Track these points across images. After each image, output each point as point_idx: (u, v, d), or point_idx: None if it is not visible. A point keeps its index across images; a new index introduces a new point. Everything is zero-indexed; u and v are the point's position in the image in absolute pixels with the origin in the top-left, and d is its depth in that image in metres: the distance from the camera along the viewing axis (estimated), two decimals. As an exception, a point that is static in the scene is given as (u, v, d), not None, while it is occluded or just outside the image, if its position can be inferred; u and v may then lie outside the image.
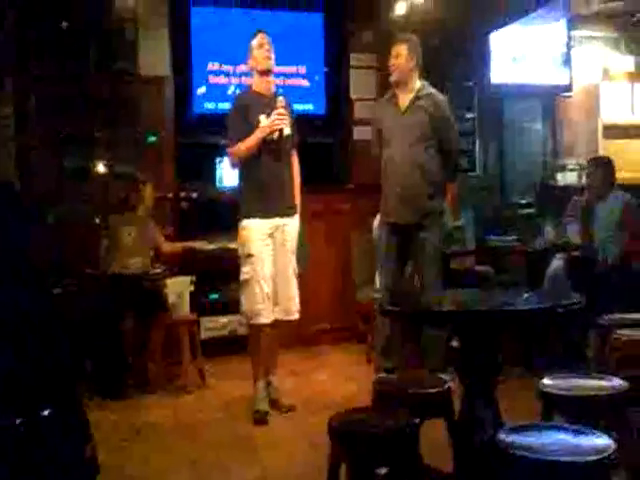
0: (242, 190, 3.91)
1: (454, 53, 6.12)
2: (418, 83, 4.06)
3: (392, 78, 4.06)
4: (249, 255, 3.77)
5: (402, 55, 4.01)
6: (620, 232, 4.30)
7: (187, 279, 4.62)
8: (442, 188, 4.10)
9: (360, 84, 6.06)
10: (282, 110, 3.77)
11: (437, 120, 3.98)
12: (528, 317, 2.37)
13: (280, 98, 3.83)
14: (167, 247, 4.81)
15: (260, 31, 3.94)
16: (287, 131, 3.85)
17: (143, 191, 4.79)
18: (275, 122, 3.75)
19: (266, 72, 3.88)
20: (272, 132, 3.77)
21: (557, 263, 4.39)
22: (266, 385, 3.87)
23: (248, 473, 3.05)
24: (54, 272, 4.37)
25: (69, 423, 2.15)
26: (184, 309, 4.53)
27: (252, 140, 3.76)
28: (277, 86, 4.22)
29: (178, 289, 4.53)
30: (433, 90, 4.06)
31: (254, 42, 3.89)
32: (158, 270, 4.63)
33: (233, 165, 3.97)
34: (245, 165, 3.86)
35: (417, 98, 4.01)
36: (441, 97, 4.07)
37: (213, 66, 5.74)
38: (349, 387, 4.24)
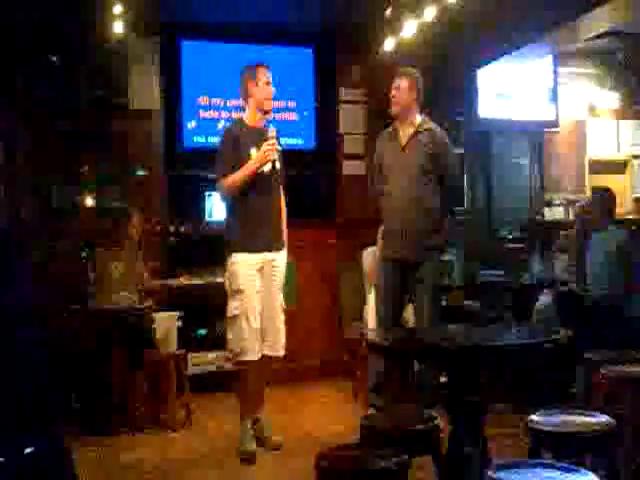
0: (230, 224, 3.89)
1: (442, 88, 6.19)
2: (419, 118, 4.03)
3: (392, 111, 4.03)
4: (237, 290, 3.74)
5: (402, 88, 3.99)
6: (618, 265, 4.22)
7: (174, 314, 4.58)
8: (442, 223, 4.06)
9: (349, 119, 6.12)
10: (274, 140, 3.74)
11: (437, 156, 3.94)
12: (516, 352, 2.37)
13: (271, 128, 3.80)
14: (147, 284, 4.78)
15: (262, 65, 3.89)
16: (276, 165, 3.83)
17: (130, 225, 4.79)
18: (267, 153, 3.70)
19: (268, 111, 3.89)
20: (265, 163, 3.74)
21: (545, 298, 4.39)
22: (253, 423, 3.81)
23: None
24: (40, 308, 4.33)
25: (53, 461, 2.11)
26: (171, 344, 4.49)
27: (244, 173, 3.71)
28: (266, 121, 4.25)
29: (166, 324, 4.49)
30: (433, 125, 4.03)
31: (260, 77, 3.83)
32: (146, 305, 4.60)
33: (224, 199, 3.92)
34: (234, 199, 3.84)
35: (417, 133, 3.98)
36: (441, 132, 4.04)
37: (203, 100, 5.79)
38: (337, 424, 4.20)
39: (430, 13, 5.35)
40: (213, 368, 5.20)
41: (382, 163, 4.06)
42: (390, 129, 4.12)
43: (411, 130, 4.00)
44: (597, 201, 4.50)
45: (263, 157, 3.72)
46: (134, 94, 5.53)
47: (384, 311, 3.97)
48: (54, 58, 5.30)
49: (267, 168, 3.81)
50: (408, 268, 3.93)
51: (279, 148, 3.89)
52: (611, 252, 4.19)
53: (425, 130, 3.99)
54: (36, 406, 2.22)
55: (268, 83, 3.85)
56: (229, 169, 3.74)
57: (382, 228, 4.15)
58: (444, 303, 5.17)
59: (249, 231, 3.78)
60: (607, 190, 4.57)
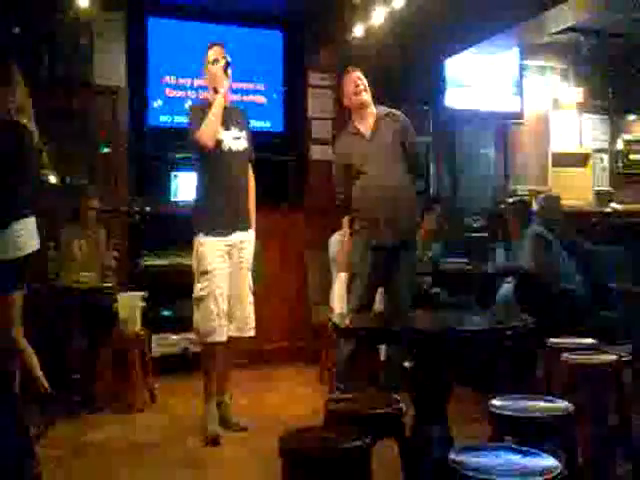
0: (199, 203, 3.85)
1: (409, 77, 6.22)
2: (373, 108, 4.09)
3: (363, 98, 4.00)
4: (205, 271, 3.71)
5: (363, 78, 4.03)
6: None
7: (138, 295, 4.53)
8: (416, 206, 4.13)
9: (318, 103, 6.11)
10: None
11: (401, 134, 3.99)
12: (478, 338, 2.40)
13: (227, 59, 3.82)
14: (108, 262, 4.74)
15: (215, 44, 3.90)
16: (244, 144, 3.84)
17: (85, 207, 4.72)
18: (215, 69, 3.77)
19: (217, 89, 3.82)
20: (224, 79, 3.75)
21: (507, 286, 4.47)
22: (218, 405, 3.81)
23: (197, 493, 3.01)
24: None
25: (11, 440, 2.09)
26: (135, 326, 4.45)
27: (215, 110, 3.69)
28: (235, 102, 4.22)
29: (129, 305, 4.44)
30: (390, 109, 4.10)
31: (209, 55, 3.85)
32: (109, 285, 4.54)
33: (200, 150, 3.75)
34: (203, 178, 3.82)
35: (379, 119, 4.01)
36: (400, 113, 4.10)
37: (170, 79, 5.72)
38: (301, 407, 4.23)
39: (399, 1, 5.38)
40: (177, 350, 5.17)
41: (350, 162, 3.98)
42: (348, 129, 4.10)
43: (372, 120, 4.01)
44: (512, 212, 4.73)
45: (219, 73, 3.76)
46: (99, 70, 5.42)
47: (362, 298, 3.94)
48: (16, 31, 5.15)
49: (235, 147, 3.81)
50: (390, 254, 3.95)
51: (250, 129, 3.93)
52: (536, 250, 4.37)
53: (385, 115, 4.03)
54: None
55: (215, 61, 3.83)
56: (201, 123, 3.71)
57: (350, 219, 4.13)
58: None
59: (217, 210, 3.75)
60: (522, 202, 4.78)
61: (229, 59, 3.83)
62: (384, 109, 4.07)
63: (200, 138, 3.69)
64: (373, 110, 4.04)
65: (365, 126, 4.01)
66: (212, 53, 3.86)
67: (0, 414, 2.12)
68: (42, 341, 4.30)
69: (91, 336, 4.40)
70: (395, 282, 3.98)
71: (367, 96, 4.01)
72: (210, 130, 3.69)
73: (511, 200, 5.13)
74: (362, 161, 3.95)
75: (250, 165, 3.97)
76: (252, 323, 3.87)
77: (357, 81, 4.01)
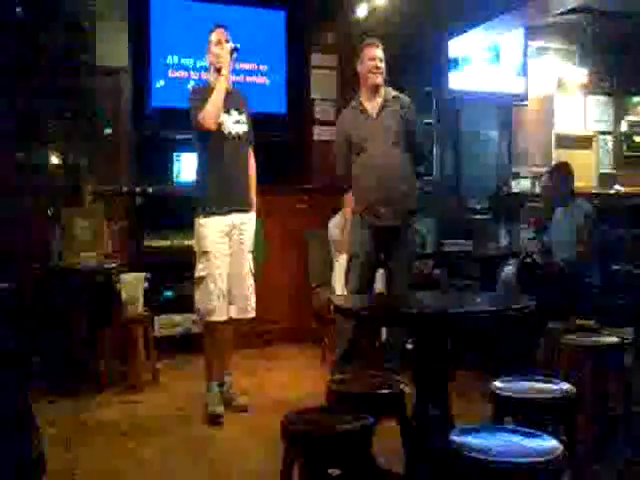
0: (200, 185, 3.87)
1: (413, 58, 6.17)
2: (383, 89, 4.08)
3: (378, 81, 3.99)
4: (205, 252, 3.74)
5: (383, 59, 4.01)
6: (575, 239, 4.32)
7: (141, 275, 4.54)
8: (416, 188, 4.14)
9: (321, 84, 6.08)
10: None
11: (406, 120, 4.00)
12: (479, 319, 2.40)
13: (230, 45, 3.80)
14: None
15: (219, 26, 3.90)
16: (244, 127, 3.85)
17: (83, 184, 4.72)
18: (219, 55, 3.76)
19: (219, 70, 3.81)
20: (228, 63, 3.75)
21: (509, 268, 4.47)
22: (220, 385, 3.84)
23: (199, 473, 3.03)
24: (3, 266, 4.26)
25: (14, 420, 2.10)
26: (138, 306, 4.46)
27: (215, 97, 3.69)
28: (236, 83, 4.20)
29: (132, 286, 4.45)
30: (398, 93, 4.09)
31: (212, 38, 3.85)
32: (112, 265, 4.55)
33: (201, 132, 3.74)
34: (204, 160, 3.83)
35: (386, 101, 4.01)
36: (407, 98, 4.10)
37: (173, 60, 5.68)
38: (303, 388, 4.24)
39: (403, -19, 5.32)
40: (180, 330, 5.19)
41: (352, 139, 4.00)
42: (354, 104, 4.10)
43: (380, 100, 4.01)
44: (556, 177, 4.57)
45: (223, 55, 3.75)
46: (101, 51, 5.38)
47: (362, 278, 3.96)
48: (18, 11, 5.11)
49: (235, 130, 3.80)
50: (389, 234, 3.95)
51: (249, 112, 3.93)
52: (578, 224, 4.27)
53: (393, 98, 4.03)
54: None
55: (218, 42, 3.82)
56: (204, 104, 3.70)
57: (352, 197, 4.13)
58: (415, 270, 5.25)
59: (218, 192, 3.77)
60: (566, 165, 4.65)
61: (238, 46, 3.82)
62: (392, 91, 4.07)
63: (202, 121, 3.68)
64: (382, 91, 4.03)
65: (372, 105, 4.02)
66: (215, 35, 3.85)
67: (4, 393, 2.13)
68: (45, 322, 4.34)
69: (94, 317, 4.41)
70: (394, 263, 3.99)
71: (382, 79, 4.01)
72: (212, 113, 3.69)
73: (554, 163, 4.94)
74: (365, 139, 3.96)
75: (251, 148, 3.97)
76: (253, 304, 3.89)
77: (378, 62, 3.99)
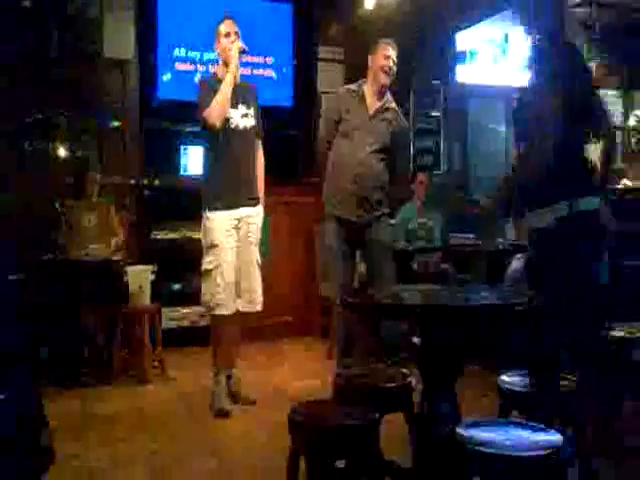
0: (208, 179, 3.87)
1: (421, 51, 6.15)
2: (388, 93, 4.05)
3: (387, 81, 3.95)
4: (213, 245, 3.73)
5: (395, 61, 3.98)
6: None
7: (148, 268, 4.55)
8: (387, 195, 4.11)
9: (327, 77, 6.07)
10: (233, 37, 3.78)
11: (397, 136, 3.99)
12: (487, 313, 2.39)
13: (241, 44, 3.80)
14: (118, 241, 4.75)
15: (228, 17, 3.89)
16: (252, 121, 3.84)
17: (90, 177, 4.73)
18: (229, 48, 3.75)
19: (227, 64, 3.80)
20: (236, 59, 3.74)
21: (517, 263, 4.45)
22: (227, 379, 3.84)
23: (206, 465, 3.03)
24: (12, 258, 4.28)
25: (23, 409, 2.11)
26: (145, 299, 4.47)
27: (225, 88, 3.69)
28: (243, 76, 4.18)
29: (139, 278, 4.46)
30: (397, 107, 4.07)
31: (221, 29, 3.84)
32: (119, 257, 4.56)
33: (210, 128, 3.72)
34: (211, 154, 3.83)
35: (385, 108, 3.98)
36: (405, 121, 4.15)
37: (179, 52, 5.68)
38: (310, 381, 4.25)
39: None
40: (187, 323, 5.21)
41: (342, 120, 3.93)
42: (354, 88, 4.02)
43: (380, 103, 3.97)
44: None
45: (231, 48, 3.74)
46: (108, 43, 5.39)
47: (340, 269, 3.95)
48: (26, 4, 5.11)
49: (243, 124, 3.80)
50: (356, 229, 3.94)
51: (258, 106, 3.92)
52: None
53: (391, 108, 4.01)
54: (6, 354, 2.21)
55: (227, 35, 3.81)
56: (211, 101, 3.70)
57: (324, 183, 4.10)
58: (415, 266, 5.25)
59: (225, 187, 3.76)
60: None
61: (247, 48, 3.81)
62: (393, 102, 4.04)
63: (208, 117, 3.68)
64: (386, 95, 4.01)
65: (373, 102, 3.97)
66: (224, 27, 3.84)
67: (16, 385, 2.15)
68: (52, 314, 4.35)
69: (101, 309, 4.43)
70: (374, 257, 3.97)
71: (390, 81, 3.97)
72: (219, 109, 3.69)
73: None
74: (352, 129, 3.90)
75: (259, 141, 3.96)
76: (260, 298, 3.89)
77: (390, 62, 3.96)
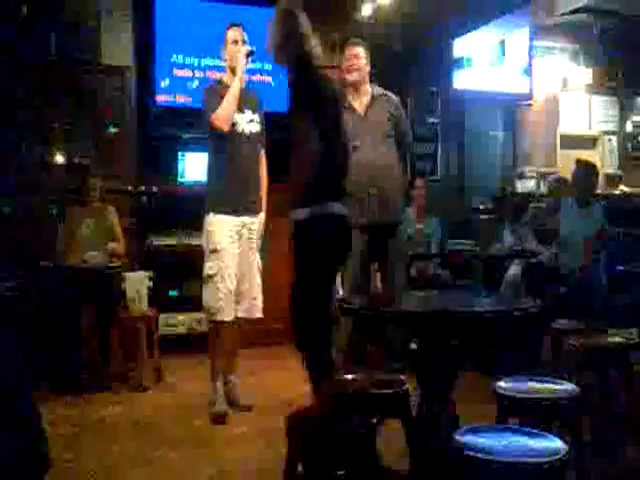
0: (212, 183, 3.86)
1: (418, 57, 6.17)
2: (370, 87, 4.05)
3: (352, 78, 3.94)
4: (214, 250, 3.73)
5: (361, 56, 3.96)
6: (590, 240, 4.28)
7: (145, 274, 4.55)
8: (408, 190, 4.12)
9: (325, 84, 6.06)
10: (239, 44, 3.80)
11: (396, 118, 3.98)
12: (485, 319, 2.40)
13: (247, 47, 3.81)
14: (120, 248, 4.74)
15: (235, 24, 3.90)
16: (257, 127, 3.86)
17: (91, 183, 4.73)
18: (236, 54, 3.76)
19: (234, 70, 3.82)
20: (242, 64, 3.75)
21: (515, 269, 4.46)
22: (224, 384, 3.84)
23: (203, 472, 3.03)
24: (9, 265, 4.27)
25: (20, 417, 2.10)
26: (142, 305, 4.46)
27: (231, 95, 3.70)
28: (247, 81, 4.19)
29: (136, 284, 4.45)
30: (385, 91, 4.06)
31: (229, 36, 3.86)
32: (117, 264, 4.56)
33: (216, 135, 3.75)
34: (216, 158, 3.83)
35: (374, 99, 3.98)
36: (396, 97, 4.08)
37: (177, 58, 5.68)
38: (308, 386, 4.23)
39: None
40: (184, 330, 5.20)
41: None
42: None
43: (367, 98, 3.98)
44: (581, 175, 4.49)
45: (236, 56, 3.76)
46: (106, 50, 5.40)
47: (358, 278, 3.94)
48: (24, 11, 5.12)
49: (249, 129, 3.81)
50: (381, 232, 3.94)
51: (262, 112, 3.94)
52: (594, 228, 4.26)
53: (380, 96, 4.00)
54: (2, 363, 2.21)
55: (235, 42, 3.84)
56: (217, 106, 3.71)
57: None
58: (413, 272, 5.24)
59: (228, 193, 3.76)
60: (592, 165, 4.60)
61: (254, 49, 3.83)
62: (379, 89, 4.04)
63: (215, 122, 3.70)
64: (368, 88, 4.00)
65: (359, 103, 3.98)
66: (232, 34, 3.86)
67: (8, 392, 2.14)
68: (50, 320, 4.34)
69: (98, 315, 4.42)
70: (388, 259, 3.97)
71: (358, 76, 3.95)
72: (225, 114, 3.70)
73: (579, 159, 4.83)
74: (353, 137, 3.90)
75: (262, 149, 3.97)
76: (260, 304, 3.89)
77: (353, 59, 3.96)
